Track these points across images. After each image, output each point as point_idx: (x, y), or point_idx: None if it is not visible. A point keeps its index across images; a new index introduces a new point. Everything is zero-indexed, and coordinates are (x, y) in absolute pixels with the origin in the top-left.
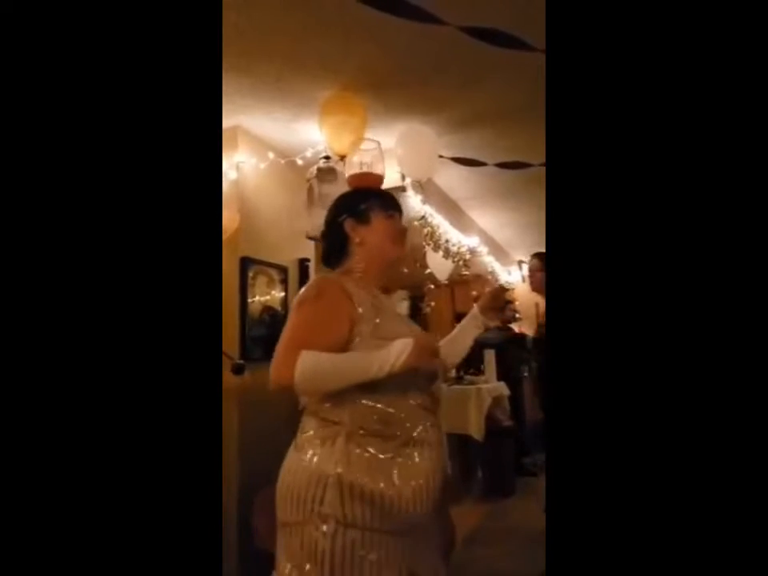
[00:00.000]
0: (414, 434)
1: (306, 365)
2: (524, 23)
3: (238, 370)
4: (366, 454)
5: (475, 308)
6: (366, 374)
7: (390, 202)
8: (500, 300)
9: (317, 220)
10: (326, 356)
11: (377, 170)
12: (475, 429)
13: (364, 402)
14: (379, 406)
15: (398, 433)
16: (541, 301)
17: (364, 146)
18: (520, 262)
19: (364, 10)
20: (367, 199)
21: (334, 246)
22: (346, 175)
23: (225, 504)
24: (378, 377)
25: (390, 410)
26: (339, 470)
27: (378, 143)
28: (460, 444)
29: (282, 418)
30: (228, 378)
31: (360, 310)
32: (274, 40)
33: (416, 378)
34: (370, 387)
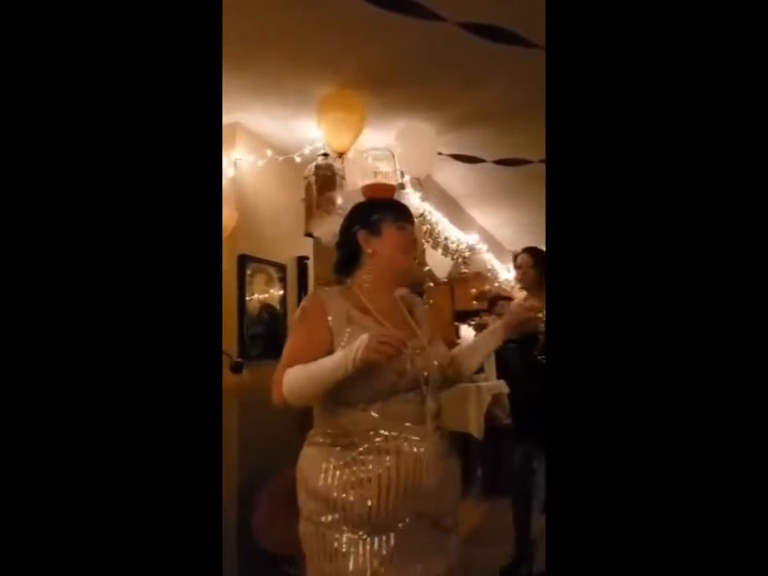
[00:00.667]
0: (374, 445)
1: (289, 381)
2: (523, 20)
3: (236, 369)
4: (323, 460)
5: (498, 323)
6: (336, 373)
7: (402, 213)
8: (529, 323)
9: (327, 228)
10: (302, 368)
11: (390, 180)
12: (475, 427)
13: (330, 411)
14: (336, 417)
15: (356, 441)
16: (534, 297)
17: (377, 154)
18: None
19: (364, 8)
20: (379, 211)
21: (347, 255)
22: (360, 185)
23: (225, 504)
24: (348, 373)
25: (349, 421)
26: (303, 468)
27: (392, 153)
28: (460, 443)
29: (282, 417)
30: (227, 377)
31: (332, 324)
32: (274, 38)
33: (381, 390)
34: (339, 399)
